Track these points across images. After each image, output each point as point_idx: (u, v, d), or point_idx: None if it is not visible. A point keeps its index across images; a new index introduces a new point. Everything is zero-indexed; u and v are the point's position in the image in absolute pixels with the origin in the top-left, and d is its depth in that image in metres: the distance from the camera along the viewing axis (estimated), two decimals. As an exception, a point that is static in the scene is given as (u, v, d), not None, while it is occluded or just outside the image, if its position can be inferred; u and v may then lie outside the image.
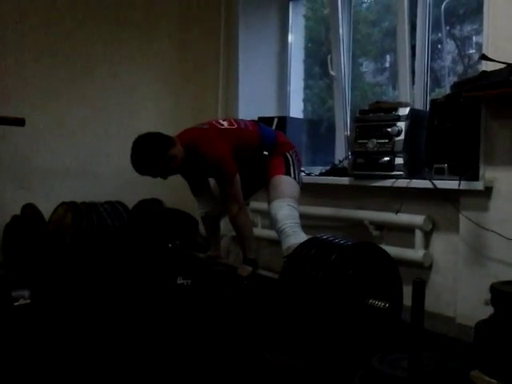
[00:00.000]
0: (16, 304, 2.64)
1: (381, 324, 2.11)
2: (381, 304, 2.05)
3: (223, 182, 2.88)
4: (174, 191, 3.89)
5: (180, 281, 3.07)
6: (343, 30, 3.75)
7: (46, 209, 3.47)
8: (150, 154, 2.81)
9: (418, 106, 3.21)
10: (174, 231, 3.30)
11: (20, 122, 3.20)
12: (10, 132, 3.43)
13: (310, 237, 2.44)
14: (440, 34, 3.32)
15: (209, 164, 2.82)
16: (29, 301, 2.68)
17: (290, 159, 2.98)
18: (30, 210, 3.41)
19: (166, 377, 1.96)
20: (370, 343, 2.08)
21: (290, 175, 2.94)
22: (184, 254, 3.22)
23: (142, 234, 3.28)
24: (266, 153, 2.97)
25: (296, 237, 2.67)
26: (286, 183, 2.91)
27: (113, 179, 3.93)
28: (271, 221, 2.87)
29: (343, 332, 2.05)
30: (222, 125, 2.95)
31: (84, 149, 3.90)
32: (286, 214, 2.78)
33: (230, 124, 2.97)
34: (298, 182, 2.97)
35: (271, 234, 3.51)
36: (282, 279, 2.23)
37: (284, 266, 2.25)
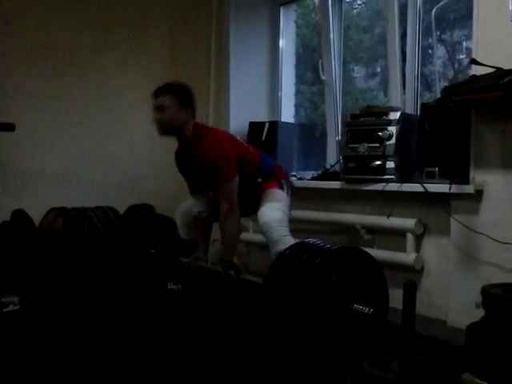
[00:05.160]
0: (6, 310, 2.62)
1: (366, 329, 2.11)
2: (365, 309, 2.04)
3: (220, 181, 2.86)
4: (164, 196, 3.89)
5: (171, 286, 3.06)
6: (334, 36, 3.76)
7: (36, 214, 3.45)
8: (183, 87, 2.96)
9: (409, 110, 3.22)
10: (155, 236, 3.29)
11: (10, 128, 3.18)
12: (0, 138, 3.40)
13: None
14: (431, 40, 3.34)
15: (209, 159, 2.80)
16: (18, 307, 2.65)
17: (285, 186, 2.99)
18: (19, 215, 3.39)
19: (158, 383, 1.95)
20: (356, 348, 2.07)
21: (283, 191, 2.95)
22: (167, 258, 3.21)
23: (124, 240, 3.27)
24: (260, 180, 2.96)
25: (284, 243, 2.63)
26: (277, 193, 2.91)
27: (103, 184, 3.92)
28: (259, 224, 2.82)
29: (328, 337, 2.04)
30: (235, 136, 3.02)
31: (74, 154, 3.88)
32: (276, 218, 2.74)
33: (240, 140, 3.05)
34: (290, 205, 2.97)
35: (263, 238, 3.51)
36: (267, 283, 2.22)
37: (269, 269, 2.25)
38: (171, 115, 2.84)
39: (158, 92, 2.89)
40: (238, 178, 2.87)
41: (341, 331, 2.06)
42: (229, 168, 2.84)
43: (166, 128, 2.89)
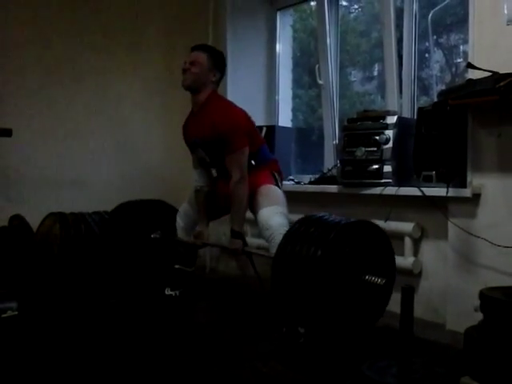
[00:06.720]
0: (3, 316, 2.61)
1: (377, 298, 2.14)
2: (377, 280, 2.06)
3: (231, 150, 2.84)
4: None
5: (168, 292, 3.05)
6: (331, 40, 3.77)
7: (34, 220, 3.44)
8: (221, 53, 3.11)
9: (406, 114, 3.23)
10: (154, 221, 3.27)
11: (7, 133, 3.18)
12: (-3, 143, 3.41)
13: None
14: (427, 44, 3.35)
15: (221, 127, 2.81)
16: (16, 312, 2.65)
17: (278, 178, 2.99)
18: (17, 221, 3.38)
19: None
20: (366, 318, 2.10)
21: (279, 187, 2.95)
22: (167, 243, 3.19)
23: (122, 228, 3.23)
24: (253, 162, 2.96)
25: None
26: (275, 192, 2.90)
27: (101, 189, 3.92)
28: (260, 228, 2.83)
29: (341, 307, 2.05)
30: (248, 114, 3.06)
31: (72, 159, 3.88)
32: (278, 222, 2.74)
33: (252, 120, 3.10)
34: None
35: (260, 242, 3.51)
36: (279, 257, 2.21)
37: (281, 243, 2.24)
38: (199, 71, 2.93)
39: (196, 48, 3.02)
40: (248, 148, 2.88)
41: (354, 301, 2.09)
42: (240, 137, 2.85)
43: (190, 81, 2.94)
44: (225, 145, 2.85)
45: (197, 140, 3.00)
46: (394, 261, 2.28)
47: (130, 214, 3.30)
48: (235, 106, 2.98)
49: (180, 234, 3.20)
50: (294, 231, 2.23)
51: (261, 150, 3.03)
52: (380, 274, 2.11)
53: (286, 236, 2.26)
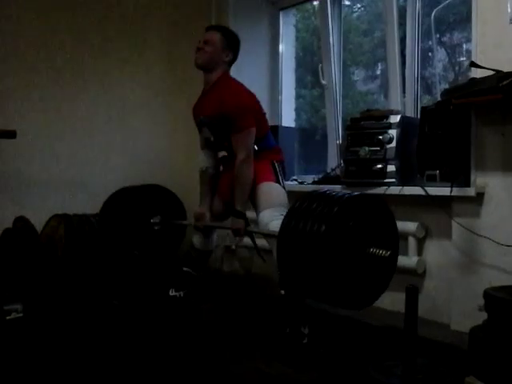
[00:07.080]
0: (8, 318, 2.62)
1: (382, 271, 2.15)
2: (382, 252, 2.05)
3: (237, 130, 2.83)
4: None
5: (172, 293, 3.05)
6: (334, 40, 3.77)
7: (39, 221, 3.45)
8: (235, 35, 3.09)
9: (409, 113, 3.23)
10: (153, 206, 3.25)
11: (11, 135, 3.19)
12: (1, 145, 3.41)
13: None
14: (431, 42, 3.34)
15: (229, 106, 2.81)
16: (21, 314, 2.65)
17: (278, 169, 2.98)
18: (21, 222, 3.38)
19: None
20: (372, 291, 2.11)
21: (280, 184, 2.93)
22: (169, 228, 3.18)
23: (120, 216, 3.21)
24: (256, 147, 2.95)
25: None
26: (276, 191, 2.89)
27: (105, 191, 3.91)
28: (261, 228, 2.82)
29: (347, 280, 2.06)
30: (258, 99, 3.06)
31: (76, 161, 3.88)
32: (278, 225, 2.73)
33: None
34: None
35: (264, 242, 3.51)
36: (283, 234, 2.20)
37: (284, 219, 2.24)
38: (213, 50, 2.94)
39: (212, 28, 3.06)
40: (255, 129, 2.86)
41: (359, 274, 2.08)
42: (247, 117, 2.83)
43: (203, 60, 2.95)
44: (231, 124, 2.84)
45: (204, 118, 3.00)
46: (397, 233, 2.25)
47: (126, 201, 3.28)
48: (245, 88, 2.97)
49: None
50: (297, 207, 2.21)
51: (266, 137, 3.02)
52: (384, 246, 2.09)
53: (290, 213, 2.24)
